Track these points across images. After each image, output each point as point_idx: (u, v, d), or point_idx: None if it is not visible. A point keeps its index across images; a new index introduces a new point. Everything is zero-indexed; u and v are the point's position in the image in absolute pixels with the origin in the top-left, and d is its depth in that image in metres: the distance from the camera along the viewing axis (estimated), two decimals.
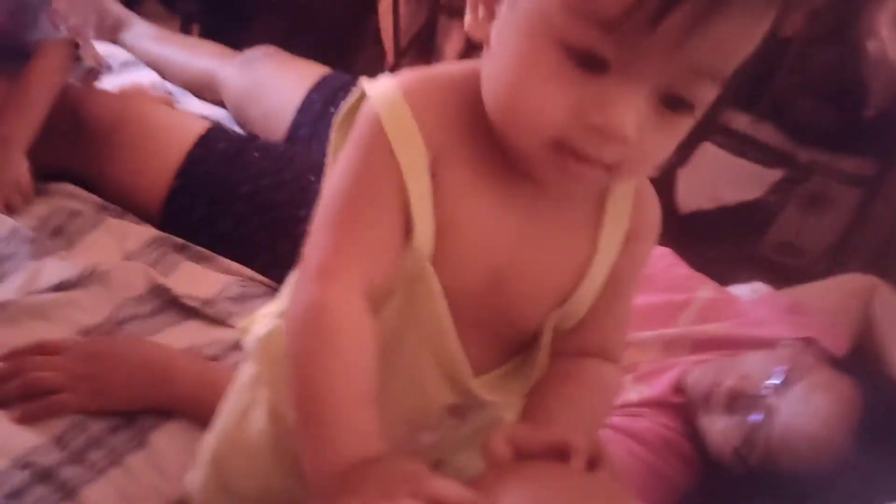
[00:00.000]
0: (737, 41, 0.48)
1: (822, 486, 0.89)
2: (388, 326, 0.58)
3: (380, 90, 0.56)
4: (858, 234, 2.65)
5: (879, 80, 2.37)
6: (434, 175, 0.53)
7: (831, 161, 2.58)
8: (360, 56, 2.99)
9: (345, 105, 0.61)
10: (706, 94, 0.50)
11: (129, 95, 1.34)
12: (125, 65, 1.64)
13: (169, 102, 1.52)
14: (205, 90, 1.66)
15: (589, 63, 0.47)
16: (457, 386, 0.59)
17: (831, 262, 2.65)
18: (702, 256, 2.52)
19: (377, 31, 2.97)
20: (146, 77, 1.61)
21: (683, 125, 0.51)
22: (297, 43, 2.07)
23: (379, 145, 0.54)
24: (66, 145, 1.19)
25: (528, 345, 0.61)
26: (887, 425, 0.92)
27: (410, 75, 0.58)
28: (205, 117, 1.54)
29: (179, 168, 1.21)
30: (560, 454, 0.51)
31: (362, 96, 0.59)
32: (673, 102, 0.49)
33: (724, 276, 2.36)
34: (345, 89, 1.52)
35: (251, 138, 1.38)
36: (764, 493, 0.92)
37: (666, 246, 2.61)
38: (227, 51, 1.75)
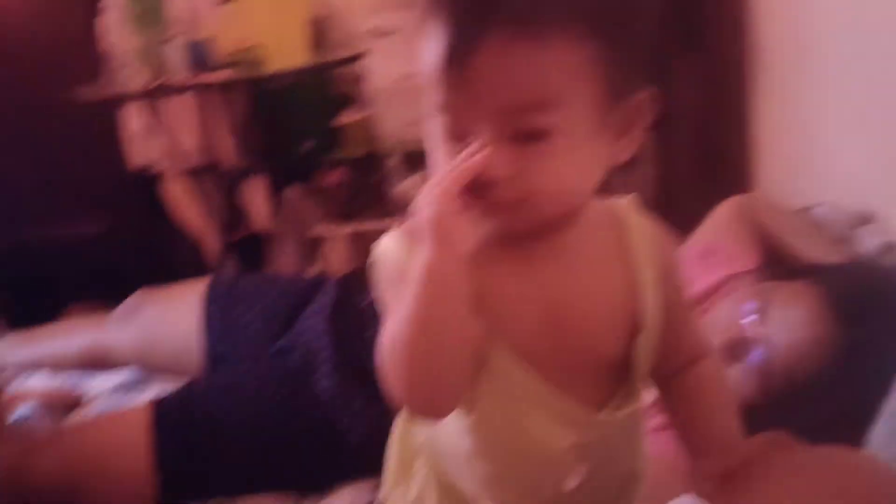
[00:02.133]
0: (524, 73, 0.55)
1: (841, 371, 1.02)
2: (491, 407, 0.64)
3: (383, 242, 0.67)
4: (672, 166, 2.94)
5: None
6: None
7: None
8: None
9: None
10: (549, 120, 0.57)
11: (53, 442, 1.24)
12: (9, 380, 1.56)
13: (74, 400, 1.47)
14: (98, 363, 1.58)
15: (457, 138, 0.59)
16: (577, 423, 0.65)
17: (665, 200, 2.92)
18: None
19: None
20: (38, 381, 1.54)
21: (556, 149, 0.58)
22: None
23: (386, 269, 0.65)
24: None
25: (626, 374, 0.68)
26: (855, 298, 1.07)
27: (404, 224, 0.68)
28: (120, 381, 1.50)
29: (156, 465, 1.16)
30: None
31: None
32: (528, 135, 0.58)
33: None
34: (232, 289, 1.53)
35: (190, 392, 1.30)
36: (799, 411, 1.04)
37: None
38: (94, 319, 1.71)
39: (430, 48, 0.58)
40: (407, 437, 0.76)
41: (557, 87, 0.57)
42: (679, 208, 2.59)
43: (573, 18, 0.57)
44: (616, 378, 0.69)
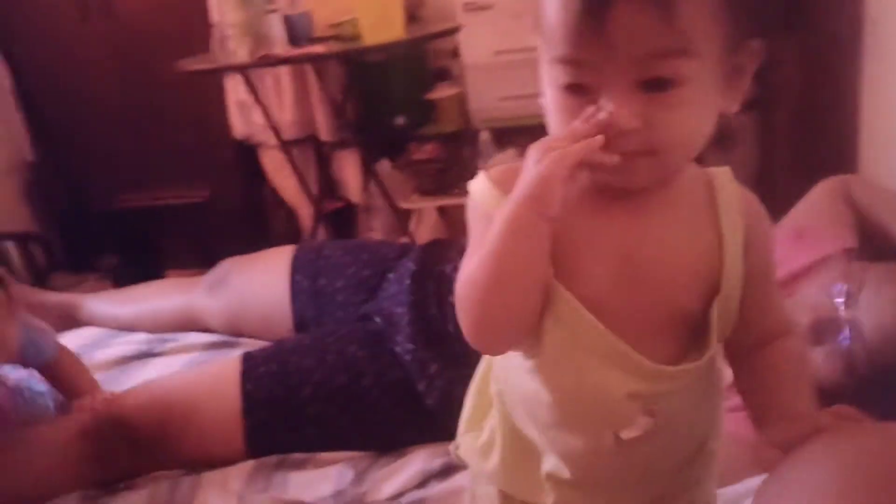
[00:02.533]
0: (663, 21, 0.56)
1: None
2: (554, 350, 0.66)
3: (474, 182, 0.71)
4: (772, 147, 2.85)
5: None
6: None
7: None
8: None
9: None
10: (682, 67, 0.58)
11: (146, 387, 1.30)
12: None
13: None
14: (188, 325, 1.65)
15: (580, 91, 0.60)
16: (636, 371, 0.65)
17: (764, 182, 2.84)
18: None
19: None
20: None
21: (682, 98, 0.59)
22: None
23: (473, 207, 0.69)
24: (128, 460, 1.20)
25: (700, 335, 0.68)
26: None
27: (495, 167, 0.72)
28: (212, 340, 1.57)
29: (243, 411, 1.23)
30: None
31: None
32: (657, 84, 0.58)
33: None
34: (319, 256, 1.58)
35: (278, 348, 1.35)
36: (883, 396, 1.00)
37: None
38: (182, 283, 1.77)
39: (560, 1, 0.59)
40: (484, 387, 0.78)
41: (693, 34, 0.58)
42: (779, 188, 2.53)
43: None
44: (690, 339, 0.68)
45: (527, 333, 0.66)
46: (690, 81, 0.59)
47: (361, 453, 1.22)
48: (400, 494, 1.13)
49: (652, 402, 0.67)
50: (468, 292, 0.64)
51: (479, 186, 0.69)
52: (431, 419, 1.21)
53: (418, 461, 1.17)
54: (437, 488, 1.12)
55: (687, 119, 0.60)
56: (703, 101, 0.61)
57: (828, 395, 1.10)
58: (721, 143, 2.28)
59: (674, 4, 0.56)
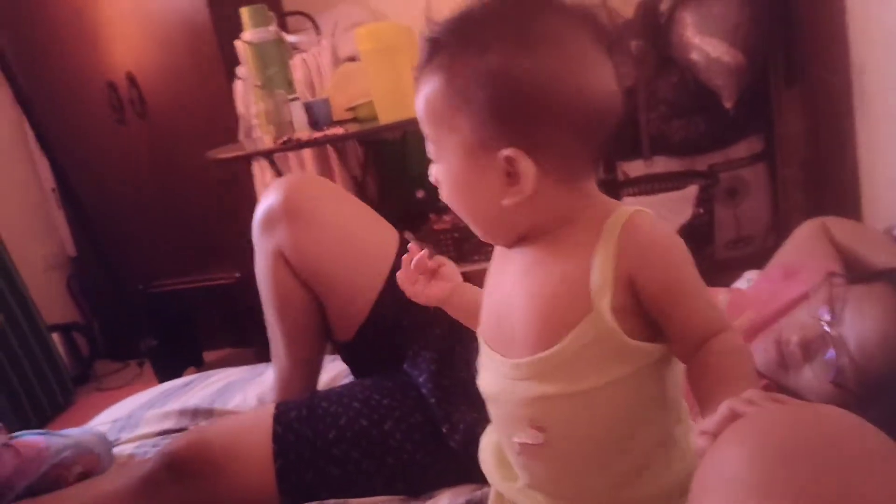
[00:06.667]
0: (419, 111, 0.79)
1: None
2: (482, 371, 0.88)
3: None
4: (783, 196, 2.93)
5: (718, 76, 2.71)
6: None
7: (726, 155, 2.89)
8: None
9: None
10: (433, 147, 0.80)
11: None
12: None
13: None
14: None
15: None
16: (517, 372, 0.79)
17: (777, 230, 2.90)
18: None
19: None
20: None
21: (442, 175, 0.80)
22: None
23: None
24: (174, 498, 1.28)
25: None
26: None
27: None
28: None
29: (274, 454, 1.30)
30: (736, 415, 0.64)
31: None
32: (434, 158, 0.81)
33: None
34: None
35: (311, 395, 1.43)
36: (880, 405, 1.05)
37: None
38: None
39: None
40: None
41: (434, 126, 0.79)
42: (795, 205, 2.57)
43: (449, 78, 0.76)
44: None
45: None
46: (440, 158, 0.80)
47: (393, 497, 1.28)
48: None
49: (539, 414, 0.78)
50: None
51: None
52: (456, 461, 1.27)
53: (444, 501, 1.24)
54: None
55: (454, 203, 0.81)
56: (456, 180, 0.79)
57: None
58: (733, 196, 2.37)
59: (423, 106, 0.78)
